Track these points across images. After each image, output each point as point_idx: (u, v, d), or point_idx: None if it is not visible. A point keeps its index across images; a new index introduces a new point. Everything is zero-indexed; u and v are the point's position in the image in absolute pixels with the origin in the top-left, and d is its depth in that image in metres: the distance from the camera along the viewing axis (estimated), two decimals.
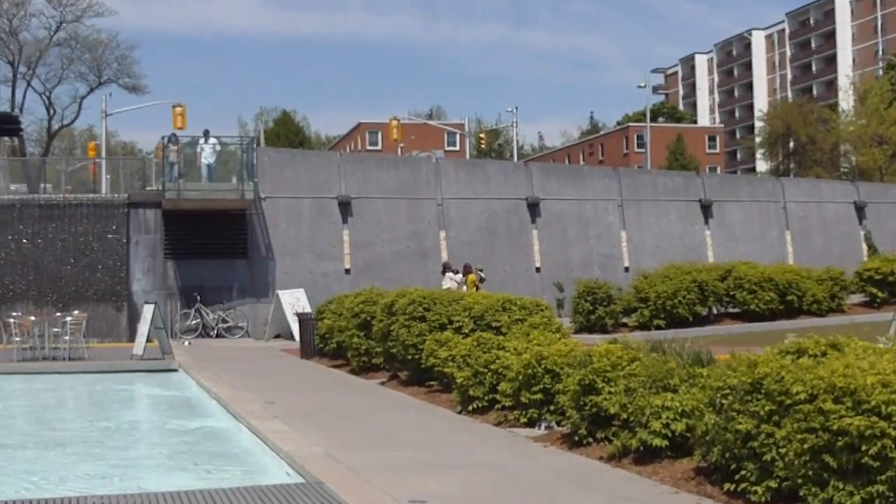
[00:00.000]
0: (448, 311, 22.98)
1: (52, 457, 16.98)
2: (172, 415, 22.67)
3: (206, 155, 43.37)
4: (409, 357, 23.03)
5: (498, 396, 17.70)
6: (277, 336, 41.24)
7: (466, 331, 21.93)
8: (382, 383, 24.67)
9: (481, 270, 40.44)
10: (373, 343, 26.43)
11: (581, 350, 15.86)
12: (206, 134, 43.62)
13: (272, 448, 15.28)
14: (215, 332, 42.59)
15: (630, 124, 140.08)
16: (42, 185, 53.72)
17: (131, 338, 39.11)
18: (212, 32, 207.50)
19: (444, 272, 40.66)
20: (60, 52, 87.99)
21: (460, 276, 39.70)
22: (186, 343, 39.61)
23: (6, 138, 66.25)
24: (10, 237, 43.29)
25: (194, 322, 42.63)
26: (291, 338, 39.06)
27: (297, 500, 11.77)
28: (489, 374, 18.12)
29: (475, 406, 18.23)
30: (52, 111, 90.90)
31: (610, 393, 14.10)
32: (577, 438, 14.68)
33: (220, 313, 42.86)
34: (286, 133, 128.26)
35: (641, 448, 13.06)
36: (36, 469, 15.58)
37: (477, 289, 37.83)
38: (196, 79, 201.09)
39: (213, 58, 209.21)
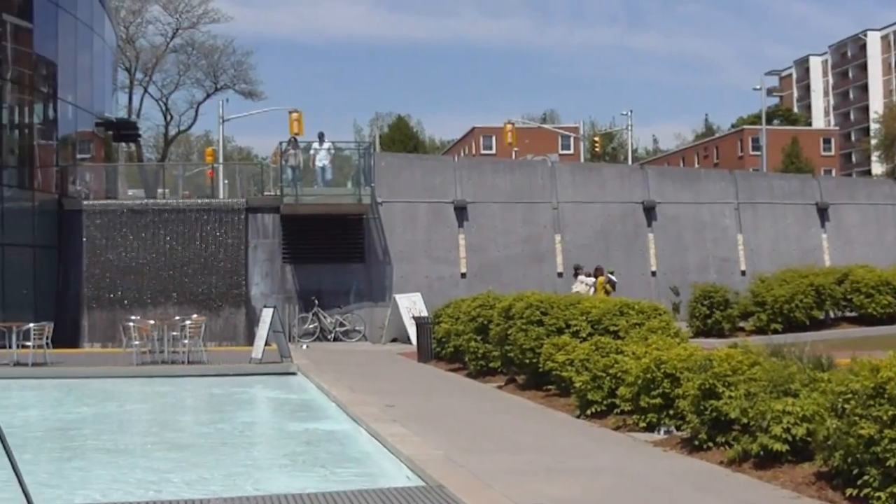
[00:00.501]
0: (565, 315, 22.98)
1: (173, 459, 17.22)
2: (292, 417, 22.90)
3: (321, 158, 43.69)
4: (527, 361, 23.06)
5: (616, 401, 17.70)
6: (394, 340, 41.45)
7: (584, 335, 21.93)
8: (499, 387, 24.71)
9: (612, 273, 40.26)
10: (490, 347, 26.49)
11: (701, 354, 15.80)
12: (321, 137, 43.95)
13: (392, 451, 15.40)
14: (333, 335, 42.90)
15: (745, 127, 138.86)
16: (159, 191, 54.46)
17: (249, 341, 39.53)
18: (326, 38, 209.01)
19: (575, 274, 40.60)
20: (177, 58, 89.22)
21: (592, 278, 39.61)
22: (304, 346, 39.97)
23: (124, 144, 67.23)
24: (128, 242, 43.99)
25: (312, 326, 42.99)
26: (408, 341, 39.24)
27: (419, 503, 11.87)
28: (608, 378, 18.12)
29: (593, 410, 18.25)
30: (169, 117, 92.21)
31: (730, 397, 14.06)
32: (696, 443, 14.64)
33: (338, 317, 43.18)
34: (401, 138, 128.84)
35: (762, 453, 12.99)
36: (158, 472, 15.82)
37: (607, 292, 37.75)
38: (311, 84, 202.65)
39: (327, 63, 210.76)
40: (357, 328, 43.29)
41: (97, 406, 26.07)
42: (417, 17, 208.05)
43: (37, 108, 47.20)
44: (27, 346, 32.28)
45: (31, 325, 32.44)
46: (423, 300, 40.67)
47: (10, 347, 33.01)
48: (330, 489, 13.24)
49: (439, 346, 31.75)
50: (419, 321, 34.71)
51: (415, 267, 44.27)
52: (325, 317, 43.01)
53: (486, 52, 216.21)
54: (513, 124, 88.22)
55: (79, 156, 51.15)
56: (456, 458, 14.24)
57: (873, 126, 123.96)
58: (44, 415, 24.26)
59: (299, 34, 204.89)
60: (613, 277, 39.86)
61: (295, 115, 54.81)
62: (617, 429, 17.10)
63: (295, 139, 45.99)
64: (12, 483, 9.99)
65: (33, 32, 45.16)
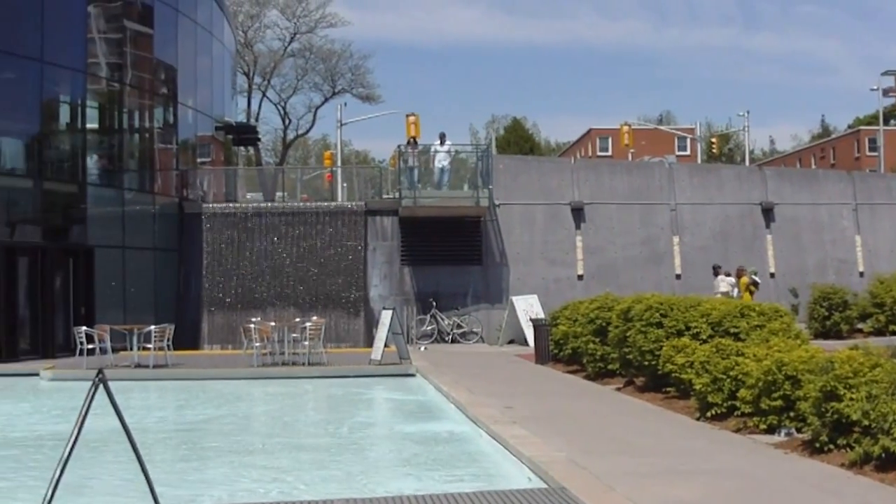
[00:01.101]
0: (685, 317, 22.84)
1: (294, 460, 17.41)
2: (411, 419, 23.03)
3: (441, 159, 43.83)
4: (646, 363, 22.97)
5: (737, 403, 17.58)
6: (511, 341, 41.45)
7: (704, 337, 21.78)
8: (618, 389, 24.64)
9: (755, 273, 39.84)
10: (608, 349, 26.42)
11: (822, 357, 15.66)
12: (443, 138, 44.06)
13: (513, 453, 15.42)
14: (450, 337, 43.04)
15: (861, 128, 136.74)
16: (278, 194, 55.00)
17: (368, 343, 39.81)
18: (442, 42, 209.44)
19: (715, 274, 40.32)
20: (295, 62, 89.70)
21: (732, 278, 39.31)
22: (422, 348, 40.13)
23: (243, 148, 67.98)
24: (248, 245, 44.51)
25: (430, 327, 43.16)
26: (525, 343, 39.24)
27: None
28: (728, 380, 17.99)
29: (713, 413, 18.14)
30: (287, 121, 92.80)
31: (852, 399, 13.92)
32: (817, 445, 14.50)
33: (455, 319, 43.31)
34: (516, 140, 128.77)
35: (883, 455, 12.84)
36: (279, 472, 16.00)
37: (751, 293, 37.48)
38: (428, 87, 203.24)
39: (444, 66, 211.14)
40: (474, 330, 43.38)
41: (218, 407, 26.39)
42: (534, 19, 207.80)
43: (157, 113, 47.88)
44: (148, 348, 32.77)
45: (152, 327, 32.91)
46: (539, 302, 40.64)
47: (132, 349, 33.55)
48: (451, 490, 13.30)
49: (557, 347, 31.73)
50: (536, 323, 34.70)
51: (532, 269, 44.25)
52: (442, 319, 43.16)
53: (602, 53, 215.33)
54: (629, 126, 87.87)
55: (199, 159, 51.83)
56: (577, 459, 14.25)
57: None
58: (165, 416, 24.63)
59: (416, 38, 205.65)
60: (756, 278, 39.45)
61: (412, 118, 55.05)
62: (737, 431, 17.00)
63: (414, 140, 46.18)
64: (140, 483, 10.19)
65: (153, 38, 45.84)
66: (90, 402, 9.12)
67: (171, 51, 47.21)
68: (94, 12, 42.59)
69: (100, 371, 9.23)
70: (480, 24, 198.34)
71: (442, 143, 43.83)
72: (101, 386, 9.15)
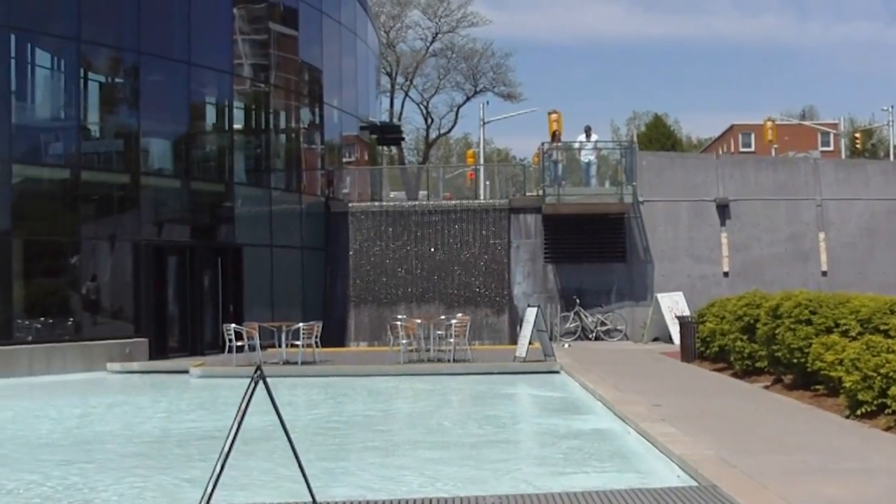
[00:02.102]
0: (834, 314, 22.51)
1: (444, 456, 17.49)
2: (557, 416, 22.99)
3: (587, 153, 43.78)
4: (794, 361, 22.70)
5: (887, 401, 17.33)
6: (655, 339, 41.22)
7: (853, 334, 21.49)
8: (766, 387, 24.39)
9: None
10: (756, 346, 26.16)
11: None
12: (588, 131, 43.94)
13: (662, 451, 15.39)
14: (594, 334, 42.93)
15: None
16: (421, 193, 55.29)
17: (513, 340, 39.92)
18: (581, 39, 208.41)
19: None
20: (437, 62, 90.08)
21: None
22: (566, 345, 40.10)
23: (385, 147, 68.45)
24: (393, 243, 44.87)
25: (573, 325, 43.09)
26: (670, 341, 39.03)
27: (693, 503, 11.86)
28: (878, 378, 17.73)
29: (863, 411, 17.89)
30: (429, 120, 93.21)
31: None
32: None
33: (599, 316, 43.19)
34: (658, 136, 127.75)
35: None
36: (429, 469, 16.10)
37: None
38: (568, 85, 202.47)
39: (584, 64, 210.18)
40: (618, 327, 43.23)
41: (366, 404, 26.64)
42: (673, 15, 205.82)
43: (303, 113, 48.46)
44: (296, 345, 33.18)
45: (301, 324, 33.30)
46: (684, 299, 40.38)
47: (280, 346, 34.00)
48: (600, 487, 13.31)
49: (703, 345, 31.49)
50: (682, 320, 34.46)
51: (676, 266, 43.96)
52: (586, 316, 43.06)
53: (742, 49, 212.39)
54: (773, 121, 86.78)
55: (344, 159, 52.33)
56: (727, 458, 14.17)
57: None
58: (313, 413, 24.88)
59: (556, 35, 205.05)
60: None
61: (554, 115, 55.05)
62: (888, 429, 16.75)
63: (557, 134, 46.04)
64: (297, 479, 10.36)
65: (298, 39, 46.38)
66: (250, 397, 9.31)
67: (316, 51, 47.74)
68: (239, 14, 43.27)
69: (258, 367, 9.42)
70: (619, 20, 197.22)
71: (588, 137, 43.74)
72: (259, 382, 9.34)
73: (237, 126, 44.11)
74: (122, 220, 37.57)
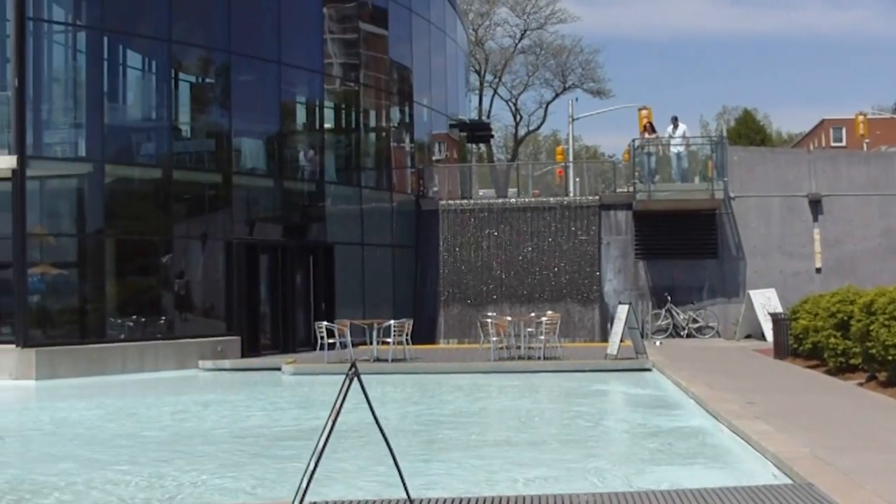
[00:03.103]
0: None
1: (535, 454, 17.47)
2: (650, 413, 22.89)
3: (675, 144, 43.51)
4: (889, 357, 22.43)
5: None
6: (748, 336, 40.91)
7: None
8: (860, 384, 24.09)
9: None
10: (850, 343, 25.87)
11: None
12: (675, 121, 43.69)
13: (756, 448, 15.24)
14: (686, 331, 42.68)
15: None
16: (510, 190, 55.28)
17: (603, 337, 39.82)
18: (671, 34, 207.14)
19: None
20: (525, 59, 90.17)
21: None
22: (658, 343, 39.88)
23: (474, 145, 68.56)
24: (482, 240, 44.90)
25: (665, 322, 42.86)
26: (762, 338, 38.74)
27: (789, 501, 11.71)
28: None
29: None
30: (518, 117, 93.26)
31: None
32: None
33: (691, 313, 42.91)
34: (747, 132, 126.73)
35: None
36: (519, 466, 16.08)
37: None
38: (657, 80, 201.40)
39: (673, 59, 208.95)
40: (710, 324, 42.93)
41: (458, 401, 26.68)
42: (762, 9, 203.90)
43: (392, 112, 48.65)
44: (387, 343, 33.28)
45: (392, 321, 33.40)
46: (777, 296, 40.03)
47: (371, 344, 34.14)
48: (694, 485, 13.21)
49: (796, 342, 31.18)
50: (775, 317, 34.16)
51: (768, 262, 43.56)
52: (677, 313, 42.82)
53: (832, 42, 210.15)
54: (864, 115, 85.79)
55: (433, 157, 52.44)
56: (823, 455, 14.00)
57: None
58: (404, 410, 24.94)
59: (644, 31, 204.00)
60: None
61: (644, 111, 54.76)
62: None
63: (651, 124, 45.76)
64: (391, 475, 10.39)
65: (388, 38, 46.54)
66: (345, 394, 9.34)
67: (406, 50, 47.88)
68: (329, 14, 43.48)
69: (352, 364, 9.45)
70: (707, 15, 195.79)
71: (675, 128, 43.47)
72: (354, 379, 9.37)
73: (328, 125, 44.37)
74: (214, 218, 37.89)
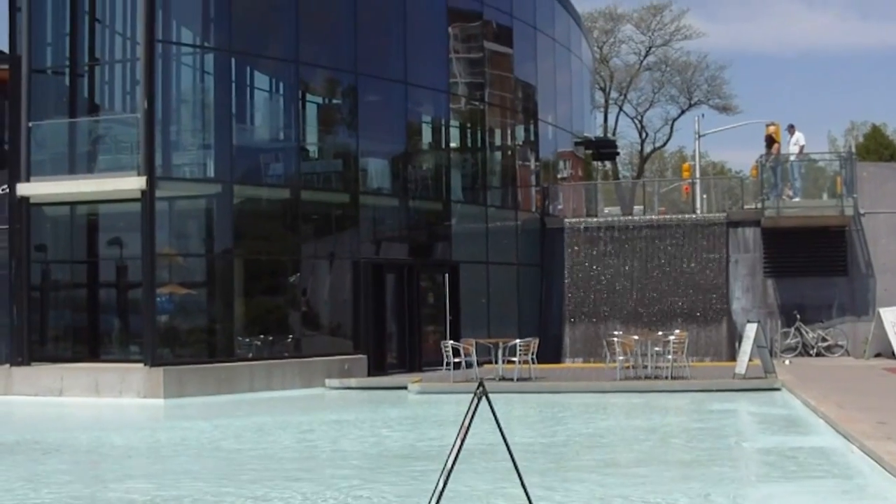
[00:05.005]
0: None
1: (665, 473, 17.39)
2: (780, 433, 22.68)
3: (792, 154, 42.98)
4: None
5: None
6: (878, 355, 40.27)
7: None
8: None
9: None
10: None
11: None
12: (791, 129, 43.04)
13: (888, 469, 15.03)
14: (815, 350, 42.11)
15: None
16: (635, 207, 55.08)
17: (731, 356, 39.47)
18: (797, 49, 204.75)
19: None
20: (651, 76, 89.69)
21: None
22: (786, 362, 39.39)
23: (599, 162, 68.37)
24: (608, 258, 44.74)
25: (794, 340, 42.31)
26: (892, 356, 38.18)
27: None
28: None
29: None
30: (643, 134, 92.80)
31: None
32: None
33: (820, 332, 42.36)
34: (876, 147, 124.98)
35: None
36: (649, 486, 15.97)
37: None
38: (782, 96, 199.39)
39: (800, 74, 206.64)
40: (839, 343, 42.31)
41: (583, 421, 26.62)
42: (891, 23, 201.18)
43: (517, 130, 48.71)
44: (513, 362, 33.25)
45: (517, 340, 33.40)
46: None
47: (496, 363, 34.15)
48: None
49: None
50: None
51: None
52: (806, 331, 42.26)
53: None
54: None
55: (558, 175, 52.41)
56: None
57: None
58: (531, 430, 24.90)
59: (771, 46, 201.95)
60: None
61: (771, 127, 54.23)
62: None
63: (770, 136, 45.24)
64: (518, 497, 10.40)
65: (513, 56, 46.62)
66: (473, 413, 9.38)
67: (530, 68, 47.96)
68: (454, 33, 43.64)
69: (480, 383, 9.48)
70: (834, 29, 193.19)
71: (791, 135, 42.95)
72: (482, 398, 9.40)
73: (453, 144, 44.54)
74: (341, 238, 38.19)
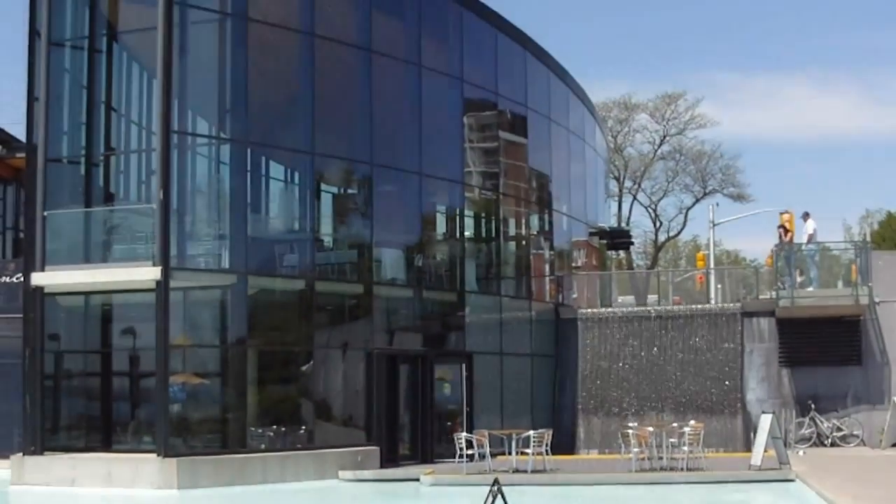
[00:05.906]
0: None
1: None
2: None
3: (806, 244, 43.00)
4: None
5: None
6: (894, 444, 40.05)
7: None
8: None
9: None
10: None
11: None
12: (805, 216, 43.20)
13: None
14: (829, 440, 41.85)
15: None
16: (650, 297, 55.07)
17: (746, 446, 39.30)
18: (810, 137, 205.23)
19: None
20: (665, 165, 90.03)
21: None
22: (801, 452, 39.18)
23: (612, 252, 68.50)
24: (621, 349, 44.66)
25: (808, 430, 42.05)
26: None
27: None
28: None
29: None
30: (658, 223, 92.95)
31: None
32: None
33: (835, 421, 42.13)
34: (891, 235, 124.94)
35: None
36: None
37: None
38: (795, 183, 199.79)
39: (814, 161, 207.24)
40: (854, 433, 42.05)
41: None
42: None
43: (532, 220, 48.84)
44: (526, 453, 33.17)
45: (531, 432, 33.31)
46: None
47: (510, 454, 34.00)
48: None
49: None
50: None
51: None
52: (821, 421, 42.02)
53: None
54: None
55: (573, 264, 52.45)
56: None
57: None
58: None
59: (785, 133, 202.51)
60: None
61: (786, 215, 54.35)
62: None
63: (784, 227, 45.34)
64: None
65: (527, 146, 46.83)
66: None
67: (545, 158, 48.18)
68: (468, 124, 43.87)
69: (496, 480, 9.50)
70: (850, 116, 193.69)
71: (805, 222, 43.04)
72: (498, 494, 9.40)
73: (468, 234, 44.58)
74: (354, 328, 38.15)
